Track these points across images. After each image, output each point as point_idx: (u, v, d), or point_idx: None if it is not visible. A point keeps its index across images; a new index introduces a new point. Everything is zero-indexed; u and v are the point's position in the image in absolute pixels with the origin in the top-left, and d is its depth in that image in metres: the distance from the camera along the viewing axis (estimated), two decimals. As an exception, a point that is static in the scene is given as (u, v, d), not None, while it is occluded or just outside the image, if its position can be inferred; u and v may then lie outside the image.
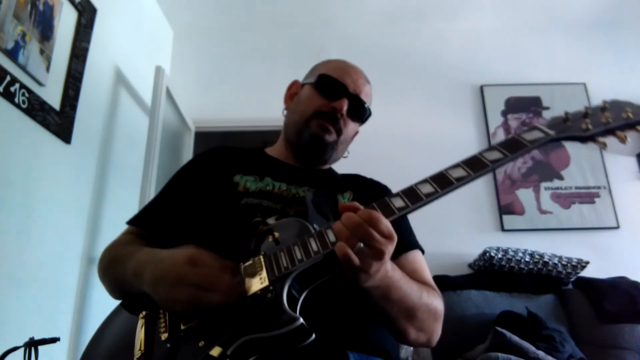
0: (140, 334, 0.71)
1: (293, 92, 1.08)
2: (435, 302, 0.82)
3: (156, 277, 0.69)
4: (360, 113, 1.02)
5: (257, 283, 0.66)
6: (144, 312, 0.74)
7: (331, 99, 0.97)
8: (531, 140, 0.68)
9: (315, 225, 0.73)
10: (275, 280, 0.66)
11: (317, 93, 1.00)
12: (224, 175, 0.95)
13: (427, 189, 0.66)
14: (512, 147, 0.67)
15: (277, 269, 0.67)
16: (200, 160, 1.02)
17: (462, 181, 0.65)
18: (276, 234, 0.73)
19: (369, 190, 1.02)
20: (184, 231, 0.92)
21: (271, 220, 0.82)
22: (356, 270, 0.62)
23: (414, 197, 0.66)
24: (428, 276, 0.91)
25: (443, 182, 0.66)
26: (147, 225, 0.94)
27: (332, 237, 0.65)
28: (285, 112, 1.08)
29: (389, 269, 0.69)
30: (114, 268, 0.84)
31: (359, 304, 0.76)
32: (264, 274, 0.67)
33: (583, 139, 0.70)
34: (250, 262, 0.71)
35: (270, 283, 0.65)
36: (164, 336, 0.68)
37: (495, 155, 0.67)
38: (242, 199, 0.88)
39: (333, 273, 0.67)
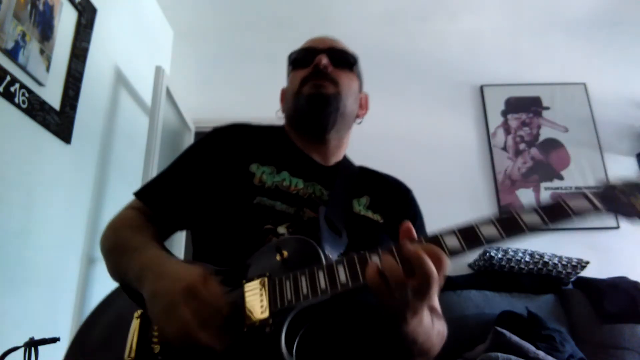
0: (132, 337, 0.68)
1: (284, 97, 1.06)
2: (444, 332, 0.78)
3: (153, 293, 0.65)
4: (345, 60, 0.97)
5: (257, 311, 0.63)
6: (139, 312, 0.71)
7: (309, 63, 0.94)
8: (577, 211, 0.59)
9: (326, 252, 0.69)
10: (277, 313, 0.61)
11: (295, 70, 0.97)
12: (240, 163, 0.89)
13: (452, 242, 0.60)
14: (554, 214, 0.59)
15: (280, 300, 0.62)
16: (218, 138, 0.95)
17: (493, 241, 0.59)
18: (285, 253, 0.68)
19: (388, 195, 0.96)
20: (191, 219, 0.89)
21: (282, 229, 0.78)
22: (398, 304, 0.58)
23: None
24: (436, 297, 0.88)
25: (470, 237, 0.60)
26: (154, 206, 0.89)
27: (342, 276, 0.60)
28: (281, 114, 1.05)
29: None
30: (117, 257, 0.81)
31: (360, 338, 0.73)
32: (265, 302, 0.63)
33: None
34: (254, 282, 0.66)
35: (270, 315, 0.61)
36: (156, 348, 0.65)
37: (533, 219, 0.59)
38: (255, 197, 0.83)
39: (340, 309, 0.63)
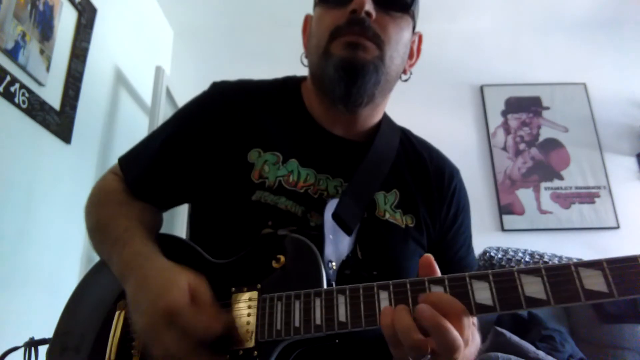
0: (115, 333, 0.63)
1: (308, 32, 0.83)
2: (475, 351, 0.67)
3: (135, 302, 0.59)
4: (397, 1, 0.71)
5: (243, 336, 0.56)
6: (122, 302, 0.64)
7: (345, 2, 0.68)
8: None
9: (330, 264, 0.60)
10: (263, 343, 0.55)
11: (324, 9, 0.73)
12: (237, 148, 0.73)
13: (484, 295, 0.46)
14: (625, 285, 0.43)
15: (268, 328, 0.55)
16: (216, 107, 0.78)
17: (535, 306, 0.45)
18: (282, 259, 0.59)
19: (426, 187, 0.78)
20: (181, 202, 0.80)
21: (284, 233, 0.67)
22: None
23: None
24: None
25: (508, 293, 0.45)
26: (136, 191, 0.77)
27: (342, 314, 0.51)
28: (305, 60, 0.81)
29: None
30: (99, 240, 0.73)
31: None
32: (252, 326, 0.56)
33: None
34: (243, 294, 0.59)
35: (255, 346, 0.55)
36: (135, 358, 0.60)
37: (596, 285, 0.43)
38: (254, 191, 0.69)
39: (337, 340, 0.55)
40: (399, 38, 0.72)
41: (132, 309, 0.59)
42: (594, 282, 0.43)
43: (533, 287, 0.45)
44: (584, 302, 0.43)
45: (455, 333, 0.44)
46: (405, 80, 0.80)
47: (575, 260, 1.66)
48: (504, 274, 0.46)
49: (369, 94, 0.71)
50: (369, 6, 0.67)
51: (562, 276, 0.44)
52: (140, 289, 0.58)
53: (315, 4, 0.77)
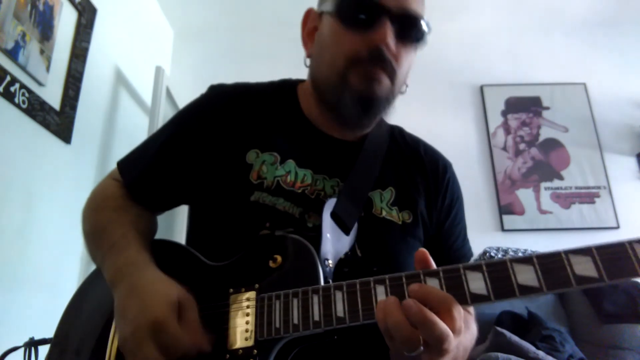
0: (113, 339, 0.63)
1: (310, 28, 0.79)
2: (472, 343, 0.67)
3: (121, 310, 0.59)
4: (414, 32, 0.72)
5: (242, 335, 0.57)
6: None
7: (365, 27, 0.67)
8: None
9: (326, 262, 0.60)
10: (263, 342, 0.55)
11: (343, 27, 0.70)
12: (235, 149, 0.73)
13: (478, 285, 0.47)
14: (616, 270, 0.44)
15: (267, 327, 0.55)
16: (213, 110, 0.78)
17: (528, 293, 0.46)
18: (278, 259, 0.60)
19: (421, 181, 0.79)
20: (179, 204, 0.81)
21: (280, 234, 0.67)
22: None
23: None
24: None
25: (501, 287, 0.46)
26: (135, 194, 0.78)
27: (340, 309, 0.51)
28: (307, 60, 0.80)
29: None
30: (93, 245, 0.74)
31: None
32: (251, 325, 0.56)
33: None
34: (241, 295, 0.59)
35: (255, 345, 0.55)
36: None
37: (587, 271, 0.45)
38: (252, 192, 0.69)
39: (336, 337, 0.55)
40: (408, 65, 0.75)
41: (117, 315, 0.60)
42: (584, 267, 0.45)
43: (525, 275, 0.46)
44: (575, 287, 0.44)
45: (442, 325, 0.45)
46: (402, 93, 0.82)
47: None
48: (497, 263, 0.47)
49: (377, 119, 0.78)
50: (392, 43, 0.68)
51: (553, 263, 0.46)
52: (129, 297, 0.59)
53: (332, 15, 0.73)
